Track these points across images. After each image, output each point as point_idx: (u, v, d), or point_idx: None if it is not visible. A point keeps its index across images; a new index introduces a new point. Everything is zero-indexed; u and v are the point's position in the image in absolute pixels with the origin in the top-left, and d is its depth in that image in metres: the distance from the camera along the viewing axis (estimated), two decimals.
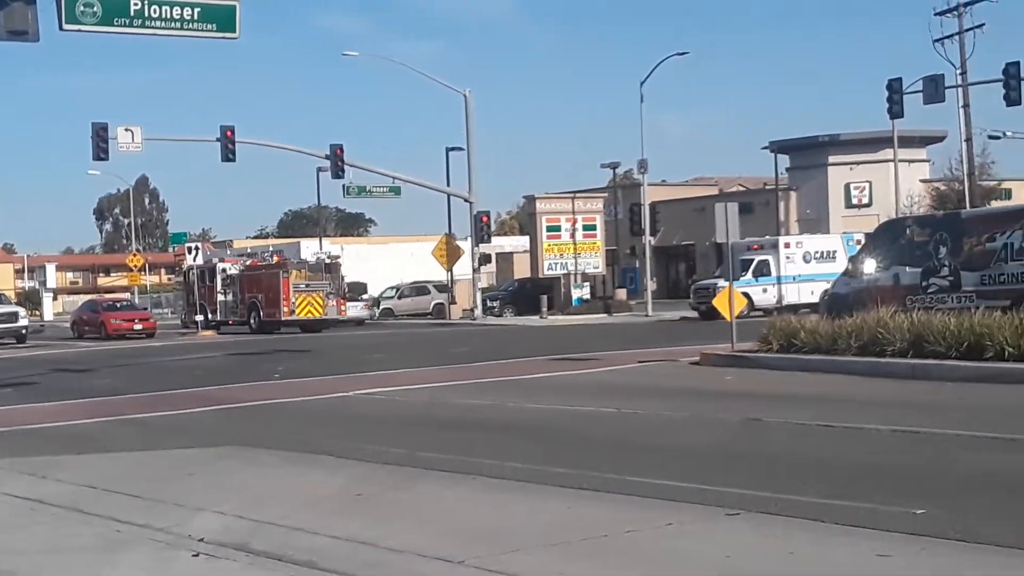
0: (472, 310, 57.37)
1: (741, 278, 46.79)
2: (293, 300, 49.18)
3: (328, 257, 52.49)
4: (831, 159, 69.37)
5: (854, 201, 68.64)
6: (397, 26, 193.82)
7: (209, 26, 22.94)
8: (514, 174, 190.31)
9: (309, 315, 49.11)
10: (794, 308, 39.09)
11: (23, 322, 49.24)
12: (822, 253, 47.94)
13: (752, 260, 46.89)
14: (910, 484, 10.00)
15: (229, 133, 48.73)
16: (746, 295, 44.88)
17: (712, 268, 71.27)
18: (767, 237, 51.70)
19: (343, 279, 52.22)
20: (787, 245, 48.39)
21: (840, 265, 44.42)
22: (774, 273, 47.39)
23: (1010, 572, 7.15)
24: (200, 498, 10.66)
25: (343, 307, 51.16)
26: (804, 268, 47.11)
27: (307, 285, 49.95)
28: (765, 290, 46.97)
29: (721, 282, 47.52)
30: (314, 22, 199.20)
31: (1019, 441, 12.09)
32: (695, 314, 47.36)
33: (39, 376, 28.32)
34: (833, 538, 8.08)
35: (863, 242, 45.67)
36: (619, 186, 71.74)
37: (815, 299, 44.74)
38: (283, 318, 48.51)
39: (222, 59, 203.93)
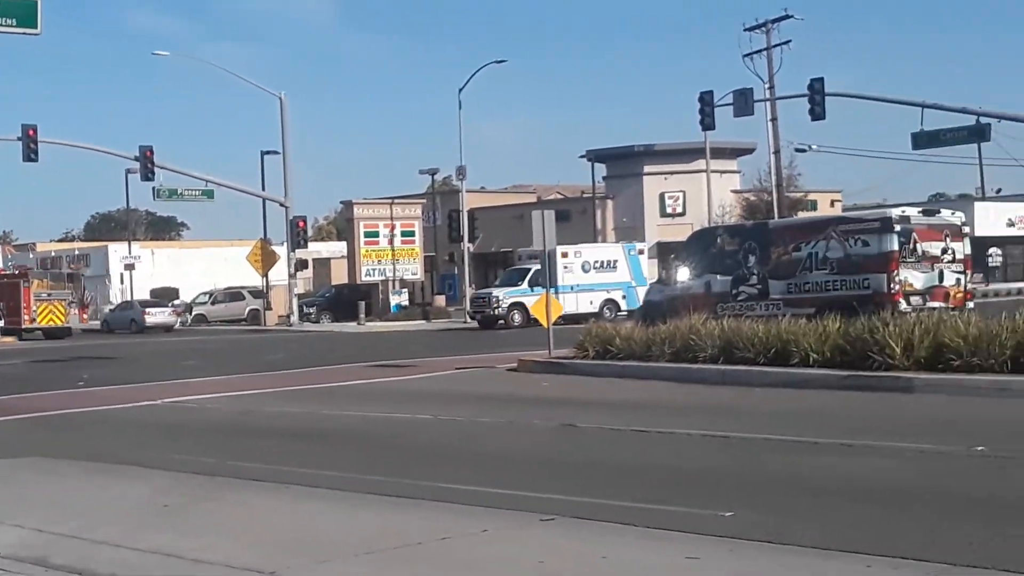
0: (288, 316, 56.69)
1: (517, 287, 48.59)
2: (34, 308, 52.56)
3: (70, 266, 54.92)
4: (646, 168, 70.80)
5: (668, 210, 70.21)
6: (212, 27, 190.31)
7: (8, 21, 22.15)
8: (332, 179, 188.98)
9: (51, 323, 52.37)
10: (575, 318, 40.24)
11: None
12: (602, 263, 49.03)
13: (529, 269, 47.68)
14: (720, 487, 10.22)
15: (31, 132, 47.00)
16: (520, 304, 47.30)
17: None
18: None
19: (85, 289, 56.59)
20: (564, 255, 48.59)
21: (621, 275, 48.69)
22: (552, 282, 47.60)
23: (815, 571, 7.36)
24: None
25: (85, 315, 55.62)
26: (583, 278, 48.26)
27: (48, 294, 53.38)
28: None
29: (495, 292, 49.36)
30: (125, 20, 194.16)
31: (823, 444, 12.50)
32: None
33: None
34: (645, 541, 8.20)
35: (642, 251, 49.16)
36: (438, 192, 71.83)
37: (595, 309, 47.16)
38: (24, 325, 51.23)
39: (24, 55, 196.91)
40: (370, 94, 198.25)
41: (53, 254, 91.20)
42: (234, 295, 65.55)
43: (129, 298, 67.81)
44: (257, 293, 62.68)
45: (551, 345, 24.13)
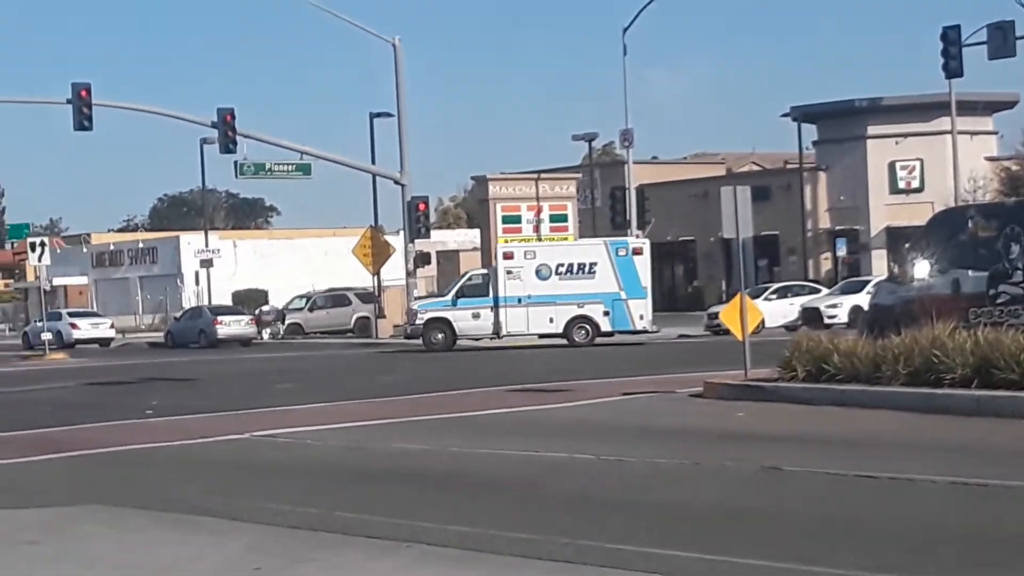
0: (406, 326, 57.27)
1: (441, 299, 49.02)
2: None
3: None
4: (871, 130, 69.83)
5: (900, 184, 69.15)
6: None
7: None
8: (460, 149, 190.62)
9: None
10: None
11: None
12: (571, 267, 47.33)
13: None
14: (976, 551, 10.06)
15: (84, 93, 48.42)
16: (442, 320, 47.14)
17: (717, 271, 71.68)
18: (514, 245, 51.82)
19: None
20: (508, 256, 47.98)
21: (601, 283, 46.51)
22: (492, 293, 47.34)
23: None
24: (49, 573, 10.57)
25: None
26: (538, 287, 46.93)
27: None
28: (477, 315, 47.26)
29: (420, 304, 49.98)
30: None
31: None
32: (705, 332, 47.85)
33: None
34: None
35: (639, 251, 46.77)
36: (596, 164, 72.01)
37: (555, 328, 46.43)
38: None
39: (77, 5, 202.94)
40: (508, 40, 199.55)
41: (112, 247, 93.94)
42: (337, 299, 66.46)
43: (204, 303, 69.34)
44: (367, 296, 63.47)
45: (747, 364, 24.01)
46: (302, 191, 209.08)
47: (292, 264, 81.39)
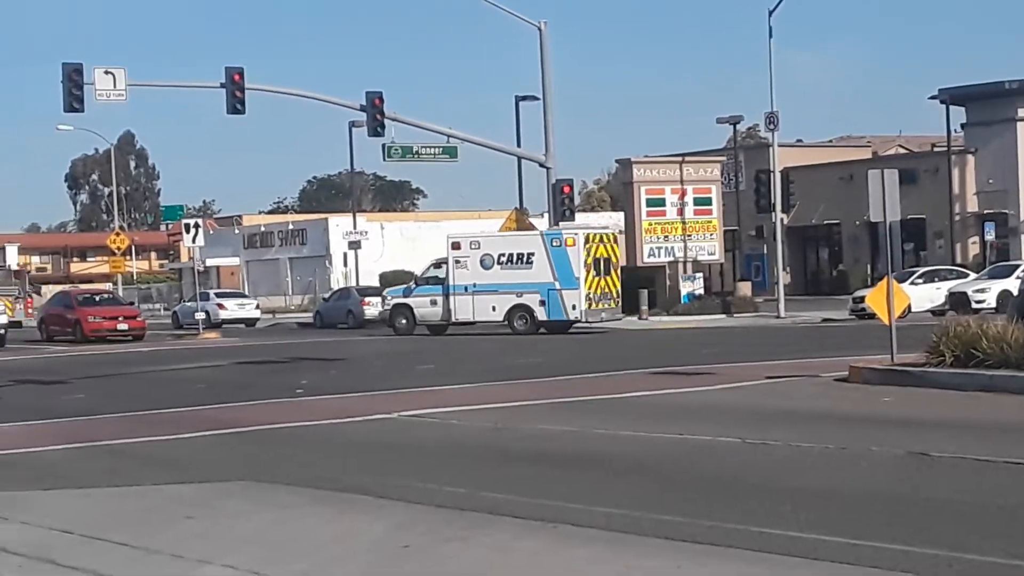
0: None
1: (405, 287, 51.80)
2: None
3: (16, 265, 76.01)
4: (1021, 112, 68.45)
5: None
6: None
7: None
8: (604, 132, 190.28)
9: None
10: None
11: (1, 320, 49.66)
12: (512, 256, 48.12)
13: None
14: None
15: (237, 77, 49.10)
16: (404, 305, 49.65)
17: (862, 255, 70.82)
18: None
19: (28, 283, 73.73)
20: (456, 246, 49.17)
21: (538, 273, 47.47)
22: (450, 282, 48.87)
23: None
24: (202, 548, 10.78)
25: (30, 309, 68.53)
26: (483, 276, 47.98)
27: None
28: (434, 302, 49.01)
29: (389, 291, 53.47)
30: None
31: None
32: (850, 316, 47.42)
33: None
34: None
35: (573, 242, 47.33)
36: (741, 147, 71.42)
37: (497, 316, 47.77)
38: None
39: None
40: (653, 22, 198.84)
41: (263, 229, 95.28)
42: None
43: (352, 284, 70.01)
44: None
45: (894, 348, 23.70)
46: (448, 174, 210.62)
47: (437, 246, 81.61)
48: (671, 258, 57.56)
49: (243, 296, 71.73)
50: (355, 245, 71.68)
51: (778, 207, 55.63)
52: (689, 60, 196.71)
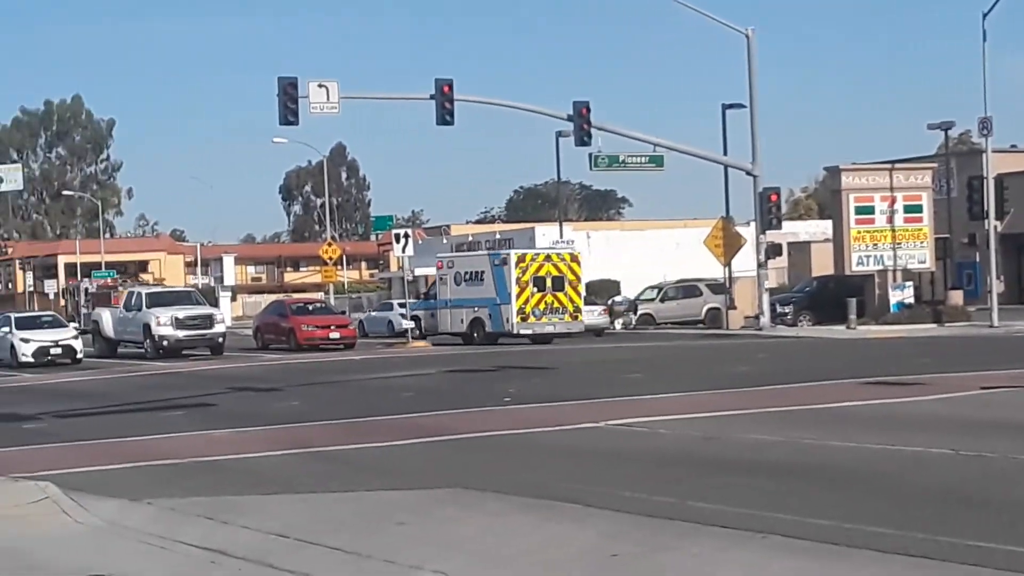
0: (757, 317, 56.89)
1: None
2: None
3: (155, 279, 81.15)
4: None
5: None
6: None
7: None
8: (811, 139, 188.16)
9: None
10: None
11: (220, 328, 50.42)
12: (471, 275, 53.22)
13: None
14: None
15: (447, 89, 49.60)
16: (416, 317, 54.50)
17: None
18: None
19: None
20: (439, 265, 54.76)
21: (486, 289, 52.21)
22: (436, 297, 55.33)
23: None
24: (414, 554, 10.92)
25: None
26: (455, 292, 53.50)
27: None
28: (432, 315, 54.91)
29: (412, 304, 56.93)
30: None
31: None
32: None
33: (215, 396, 29.53)
34: None
35: (505, 261, 51.87)
36: (952, 153, 69.95)
37: (463, 328, 52.59)
38: None
39: (432, 1, 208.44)
40: (860, 28, 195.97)
41: (470, 238, 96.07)
42: (688, 290, 66.43)
43: None
44: (717, 287, 63.27)
45: None
46: (654, 182, 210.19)
47: (643, 255, 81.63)
48: (880, 267, 56.63)
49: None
50: None
51: (991, 214, 54.32)
52: (899, 65, 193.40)
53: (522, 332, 50.59)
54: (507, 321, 50.94)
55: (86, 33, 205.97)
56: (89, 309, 75.30)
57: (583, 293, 53.69)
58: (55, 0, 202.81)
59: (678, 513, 12.38)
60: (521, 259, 51.69)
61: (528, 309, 50.78)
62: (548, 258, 52.45)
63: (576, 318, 52.14)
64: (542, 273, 51.41)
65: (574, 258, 53.27)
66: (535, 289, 51.00)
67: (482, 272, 52.71)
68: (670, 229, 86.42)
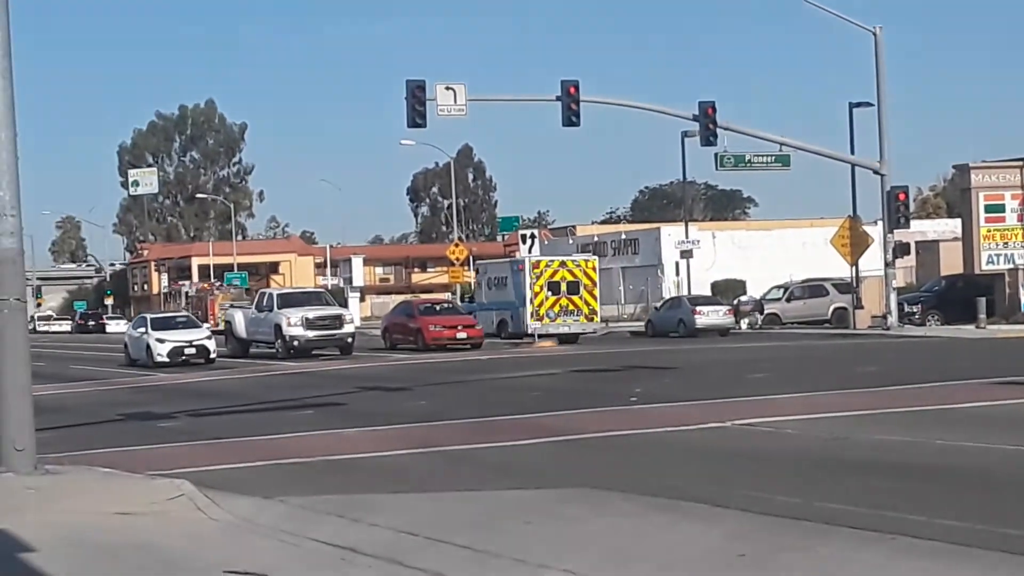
0: (884, 316, 56.29)
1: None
2: (219, 316, 76.43)
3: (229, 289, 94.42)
4: None
5: None
6: None
7: None
8: (940, 137, 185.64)
9: None
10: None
11: (349, 328, 50.80)
12: (497, 280, 59.11)
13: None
14: None
15: (572, 90, 49.64)
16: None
17: None
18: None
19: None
20: (477, 271, 61.52)
21: (509, 293, 57.05)
22: (476, 300, 61.96)
23: None
24: (542, 552, 10.96)
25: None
26: (488, 296, 59.65)
27: (231, 304, 74.87)
28: (473, 315, 57.79)
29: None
30: None
31: None
32: None
33: (345, 395, 29.83)
34: None
35: (522, 268, 56.04)
36: None
37: (493, 328, 56.68)
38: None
39: (557, 2, 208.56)
40: (986, 22, 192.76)
41: (596, 238, 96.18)
42: (814, 289, 65.86)
43: (684, 292, 69.98)
44: (844, 287, 62.68)
45: None
46: (779, 182, 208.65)
47: (769, 254, 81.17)
48: (1011, 265, 55.84)
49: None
50: (687, 254, 71.62)
51: None
52: None
53: (538, 332, 54.40)
54: (524, 322, 55.29)
55: (219, 39, 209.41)
56: (189, 311, 78.63)
57: (598, 296, 57.79)
58: (188, 7, 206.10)
59: (805, 513, 12.30)
60: (536, 265, 56.13)
61: (543, 311, 54.95)
62: (563, 264, 57.03)
63: (592, 319, 56.65)
64: (556, 278, 55.76)
65: (590, 264, 57.90)
66: (549, 293, 55.15)
67: (505, 278, 58.17)
68: (796, 229, 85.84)
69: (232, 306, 68.90)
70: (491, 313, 57.70)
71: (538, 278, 55.28)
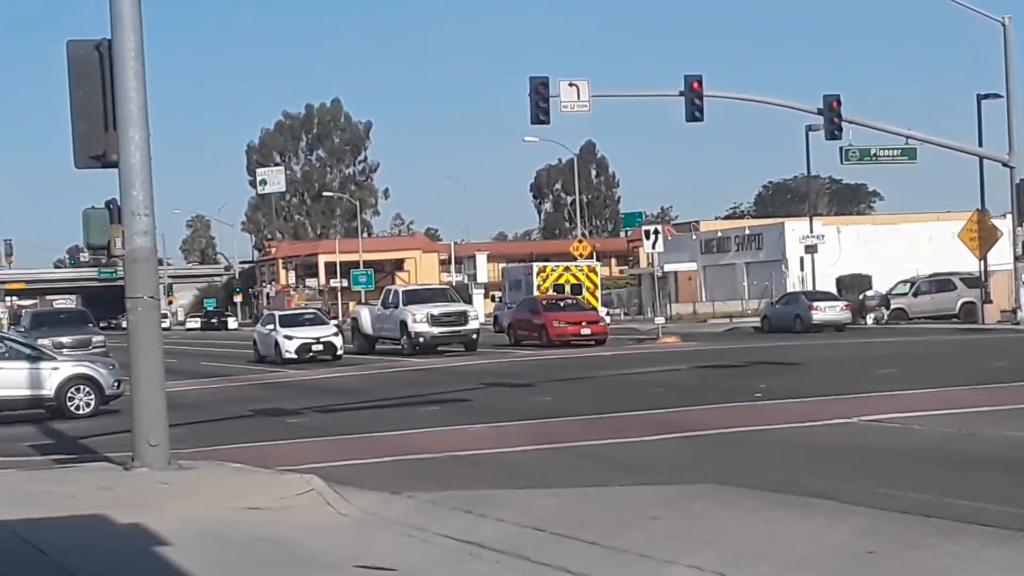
0: (1014, 311, 55.38)
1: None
2: None
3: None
4: None
5: None
6: None
7: None
8: None
9: None
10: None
11: (474, 324, 51.16)
12: (516, 282, 65.32)
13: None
14: None
15: (695, 85, 49.35)
16: (495, 318, 66.37)
17: None
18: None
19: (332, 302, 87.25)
20: (502, 274, 71.08)
21: (524, 293, 62.27)
22: (504, 300, 68.17)
23: None
24: (669, 548, 10.94)
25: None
26: (510, 296, 64.55)
27: (305, 305, 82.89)
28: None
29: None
30: None
31: None
32: None
33: (470, 391, 29.98)
34: None
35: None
36: None
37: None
38: None
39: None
40: None
41: (719, 234, 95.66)
42: (942, 284, 64.91)
43: (807, 288, 69.33)
44: (972, 281, 61.74)
45: None
46: (905, 175, 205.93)
47: (896, 249, 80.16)
48: None
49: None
50: (811, 249, 70.98)
51: None
52: None
53: None
54: None
55: (344, 39, 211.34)
56: (271, 310, 79.25)
57: (600, 298, 66.05)
58: (314, 8, 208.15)
59: (935, 510, 12.15)
60: (542, 270, 64.01)
61: None
62: (567, 269, 64.89)
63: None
64: (561, 281, 62.82)
65: (592, 269, 66.44)
66: (555, 294, 60.70)
67: (520, 281, 65.18)
68: (923, 223, 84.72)
69: (360, 303, 69.88)
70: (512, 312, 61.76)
71: (544, 281, 62.73)
